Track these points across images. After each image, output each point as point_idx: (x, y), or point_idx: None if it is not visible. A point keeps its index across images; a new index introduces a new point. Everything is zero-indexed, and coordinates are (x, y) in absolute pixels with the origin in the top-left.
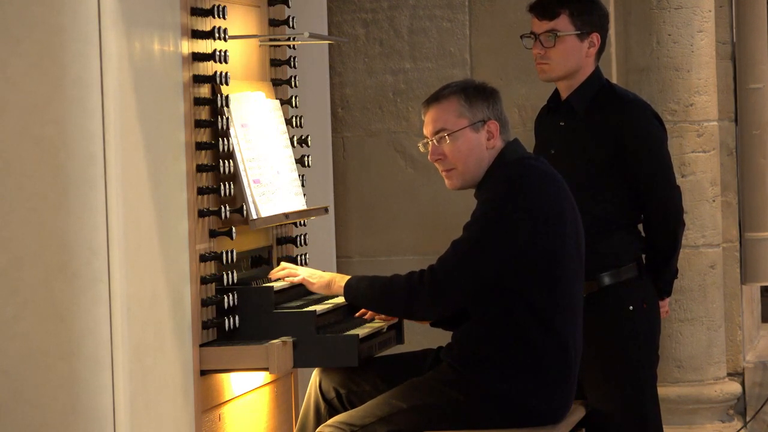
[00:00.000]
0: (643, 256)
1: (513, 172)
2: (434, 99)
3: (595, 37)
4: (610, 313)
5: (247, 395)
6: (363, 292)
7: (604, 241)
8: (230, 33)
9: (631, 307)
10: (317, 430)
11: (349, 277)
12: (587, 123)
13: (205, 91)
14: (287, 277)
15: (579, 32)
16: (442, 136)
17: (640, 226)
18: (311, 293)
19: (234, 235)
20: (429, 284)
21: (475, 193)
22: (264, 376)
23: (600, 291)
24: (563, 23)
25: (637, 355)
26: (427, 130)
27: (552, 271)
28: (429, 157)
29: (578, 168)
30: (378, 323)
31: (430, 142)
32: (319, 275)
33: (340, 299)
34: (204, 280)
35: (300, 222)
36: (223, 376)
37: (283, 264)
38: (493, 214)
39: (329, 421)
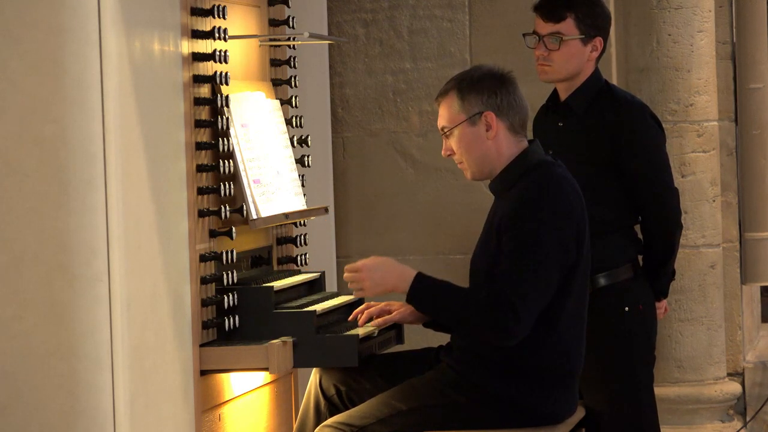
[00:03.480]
0: (640, 257)
1: (542, 179)
2: (439, 95)
3: (599, 42)
4: (606, 314)
5: (247, 395)
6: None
7: (600, 243)
8: (230, 33)
9: (626, 308)
10: (316, 430)
11: (409, 286)
12: (585, 124)
13: (205, 91)
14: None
15: (583, 36)
16: (445, 133)
17: (638, 228)
18: (311, 293)
19: (234, 235)
20: (503, 307)
21: (490, 184)
22: (264, 376)
23: (596, 292)
24: (568, 27)
25: (632, 355)
26: (438, 126)
27: (569, 279)
28: (442, 152)
29: (575, 169)
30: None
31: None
32: (379, 278)
33: (340, 299)
34: (204, 280)
35: (300, 222)
36: (223, 376)
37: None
38: (529, 220)
39: (328, 421)
